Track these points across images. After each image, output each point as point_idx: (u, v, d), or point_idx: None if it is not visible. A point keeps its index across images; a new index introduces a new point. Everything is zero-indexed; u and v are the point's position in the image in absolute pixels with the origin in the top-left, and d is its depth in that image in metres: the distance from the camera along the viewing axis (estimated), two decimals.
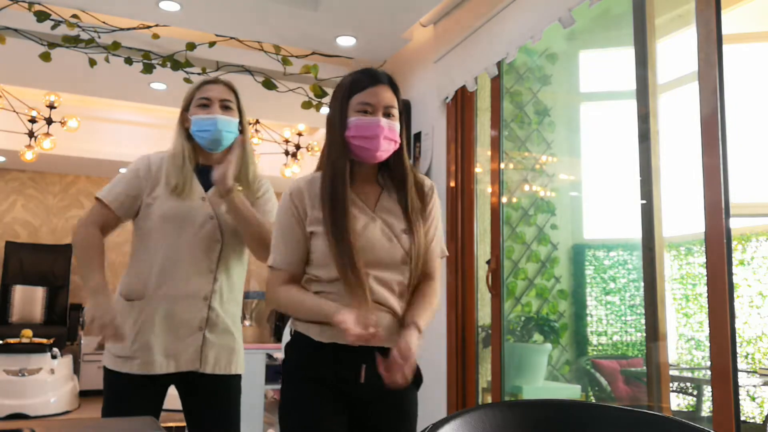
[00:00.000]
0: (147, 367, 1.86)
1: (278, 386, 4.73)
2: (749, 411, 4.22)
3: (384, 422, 1.63)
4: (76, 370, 6.51)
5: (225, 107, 1.97)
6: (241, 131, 2.01)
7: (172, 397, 2.01)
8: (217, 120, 1.93)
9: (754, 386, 4.27)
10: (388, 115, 1.61)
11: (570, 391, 4.24)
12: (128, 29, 3.68)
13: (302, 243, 1.61)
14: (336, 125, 1.61)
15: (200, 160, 2.00)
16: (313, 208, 1.60)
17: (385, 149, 1.61)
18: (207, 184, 1.95)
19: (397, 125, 1.62)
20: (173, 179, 1.91)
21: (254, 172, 2.03)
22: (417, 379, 1.65)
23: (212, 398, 1.94)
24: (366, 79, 1.62)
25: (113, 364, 1.89)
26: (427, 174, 3.69)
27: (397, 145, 1.64)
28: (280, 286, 1.61)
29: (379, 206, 1.64)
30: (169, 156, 1.98)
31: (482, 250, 3.43)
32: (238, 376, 1.99)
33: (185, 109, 2.01)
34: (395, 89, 1.65)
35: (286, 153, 6.49)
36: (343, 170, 1.59)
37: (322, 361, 1.59)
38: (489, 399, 3.36)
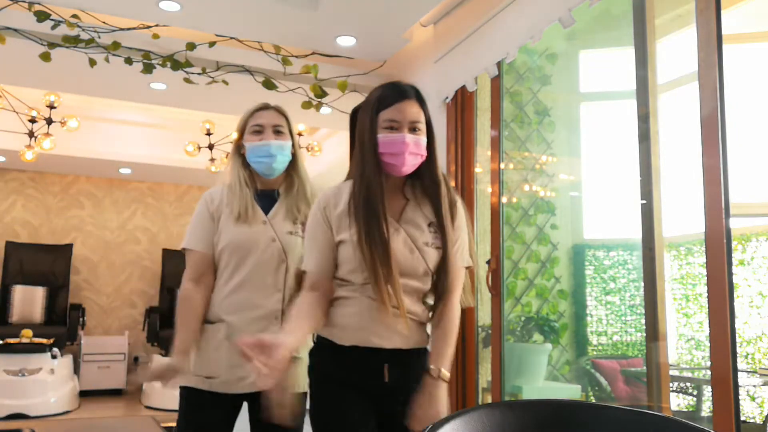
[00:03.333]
0: (225, 387, 1.95)
1: None
2: (749, 411, 4.22)
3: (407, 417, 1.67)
4: (76, 370, 6.51)
5: (277, 132, 2.05)
6: (293, 154, 2.09)
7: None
8: (271, 146, 2.02)
9: (754, 386, 4.27)
10: (414, 129, 1.65)
11: (570, 391, 4.24)
12: (128, 29, 3.68)
13: (331, 249, 1.68)
14: (367, 142, 1.66)
15: (258, 185, 2.08)
16: (341, 218, 1.66)
17: (411, 164, 1.66)
18: (266, 208, 2.05)
19: (423, 139, 1.67)
20: (236, 207, 2.00)
21: (312, 192, 2.12)
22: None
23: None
24: (392, 94, 1.67)
25: (188, 381, 1.99)
26: None
27: (424, 158, 1.68)
28: (304, 291, 1.69)
29: (403, 218, 1.69)
30: (228, 186, 2.07)
31: (482, 250, 3.43)
32: (304, 394, 2.04)
33: (240, 137, 2.10)
34: (422, 102, 1.70)
35: None
36: (379, 185, 1.64)
37: (346, 364, 1.65)
38: (489, 399, 3.36)
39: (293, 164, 2.11)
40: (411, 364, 1.67)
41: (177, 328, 1.99)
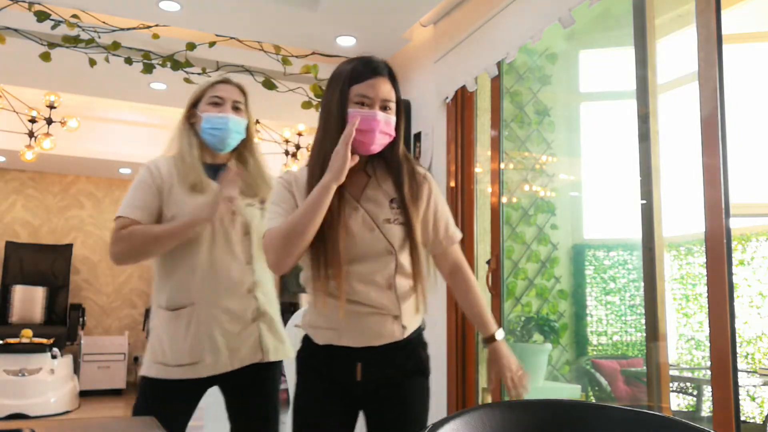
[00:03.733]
0: (212, 369, 1.88)
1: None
2: (749, 411, 4.22)
3: (389, 412, 1.64)
4: (76, 370, 6.51)
5: (236, 108, 1.99)
6: (248, 133, 2.04)
7: None
8: (229, 119, 1.95)
9: (754, 386, 4.27)
10: (385, 108, 1.59)
11: (570, 391, 4.24)
12: (128, 29, 3.67)
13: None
14: (333, 116, 1.59)
15: (207, 158, 2.00)
16: (301, 198, 1.60)
17: (380, 143, 1.59)
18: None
19: (393, 119, 1.61)
20: (190, 176, 1.92)
21: (268, 175, 2.06)
22: (424, 368, 1.69)
23: (260, 387, 1.98)
24: (366, 70, 1.60)
25: (164, 373, 1.88)
26: None
27: (392, 138, 1.62)
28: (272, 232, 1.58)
29: (364, 196, 1.63)
30: (176, 156, 1.98)
31: (482, 250, 3.43)
32: (280, 362, 2.04)
33: (193, 106, 2.02)
34: (394, 81, 1.64)
35: (286, 153, 6.49)
36: None
37: (323, 360, 1.64)
38: (489, 399, 3.36)
39: (247, 143, 2.05)
40: (387, 360, 1.63)
41: (166, 234, 1.84)
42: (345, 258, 1.55)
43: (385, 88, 1.60)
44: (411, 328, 1.65)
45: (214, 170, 1.98)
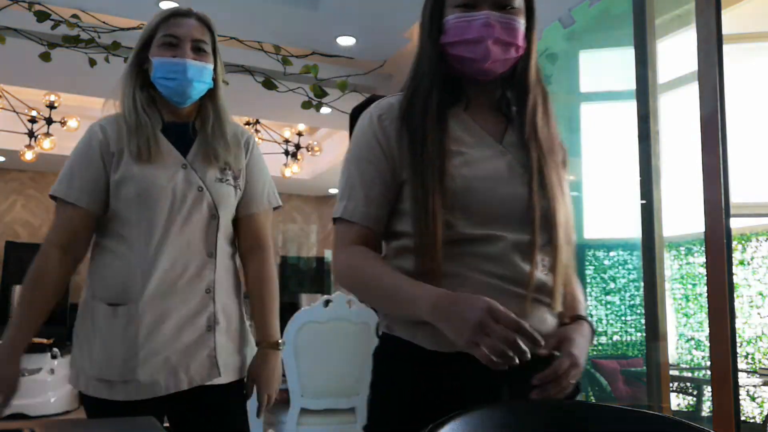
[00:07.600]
0: (151, 389, 1.41)
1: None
2: (749, 411, 4.22)
3: None
4: None
5: (197, 49, 1.49)
6: (215, 81, 1.52)
7: None
8: (187, 66, 1.45)
9: (754, 386, 4.27)
10: (504, 6, 1.06)
11: None
12: (128, 29, 3.68)
13: (389, 187, 1.09)
14: (426, 28, 1.11)
15: (164, 116, 1.51)
16: (396, 136, 1.10)
17: (499, 58, 1.06)
18: (182, 147, 1.49)
19: (519, 21, 1.07)
20: (134, 142, 1.43)
21: (234, 132, 1.56)
22: (574, 393, 1.11)
23: (226, 408, 1.51)
24: None
25: (98, 391, 1.42)
26: None
27: (520, 51, 1.09)
28: (348, 247, 1.08)
29: (506, 140, 1.11)
30: (119, 114, 1.50)
31: None
32: (241, 381, 1.57)
33: (143, 48, 1.50)
34: None
35: (286, 153, 6.49)
36: (429, 90, 1.09)
37: (442, 380, 1.02)
38: None
39: (212, 93, 1.53)
40: (530, 379, 1.00)
41: (16, 318, 1.46)
42: (496, 216, 1.05)
43: None
44: None
45: (178, 131, 1.50)
